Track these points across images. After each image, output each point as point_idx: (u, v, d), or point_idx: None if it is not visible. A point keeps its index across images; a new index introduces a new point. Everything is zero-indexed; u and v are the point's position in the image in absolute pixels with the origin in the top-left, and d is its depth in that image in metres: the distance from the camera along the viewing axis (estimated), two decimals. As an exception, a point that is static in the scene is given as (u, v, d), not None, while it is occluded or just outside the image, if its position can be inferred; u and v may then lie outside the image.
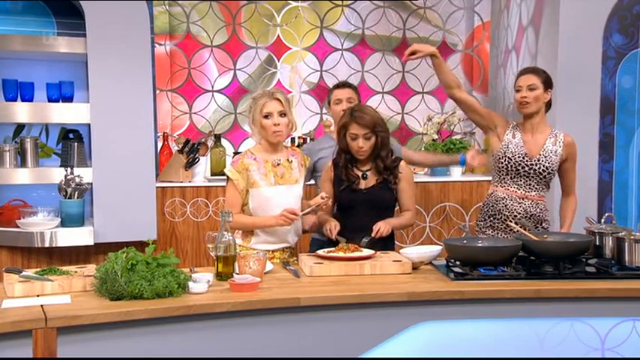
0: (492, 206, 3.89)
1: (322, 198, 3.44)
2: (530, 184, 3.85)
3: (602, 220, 3.56)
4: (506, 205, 3.85)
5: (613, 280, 3.07)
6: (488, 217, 3.91)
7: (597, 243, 3.33)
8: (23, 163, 4.53)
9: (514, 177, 3.83)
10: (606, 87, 4.68)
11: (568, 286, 3.01)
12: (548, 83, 3.85)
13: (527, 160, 3.79)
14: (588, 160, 4.65)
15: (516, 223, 3.60)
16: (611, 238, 3.28)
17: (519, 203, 3.84)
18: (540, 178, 3.83)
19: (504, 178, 3.86)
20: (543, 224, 3.88)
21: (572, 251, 3.23)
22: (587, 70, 4.64)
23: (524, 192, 3.85)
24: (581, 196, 4.53)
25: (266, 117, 3.36)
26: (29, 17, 4.63)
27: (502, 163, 3.81)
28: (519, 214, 3.82)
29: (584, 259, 3.25)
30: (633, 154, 4.71)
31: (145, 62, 4.48)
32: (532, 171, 3.80)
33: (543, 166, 3.78)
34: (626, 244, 3.18)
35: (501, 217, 3.85)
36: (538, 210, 3.87)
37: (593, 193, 4.65)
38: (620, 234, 3.25)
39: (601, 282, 3.05)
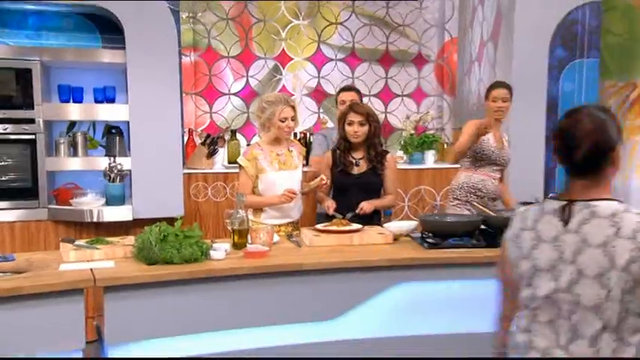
0: (475, 185, 3.97)
1: (322, 180, 3.46)
2: (500, 170, 4.04)
3: (547, 199, 3.59)
4: (485, 185, 3.97)
5: None
6: (468, 194, 3.96)
7: None
8: (75, 153, 4.53)
9: (491, 164, 3.97)
10: (551, 91, 4.67)
11: None
12: (512, 94, 4.00)
13: (499, 152, 3.96)
14: (537, 151, 4.66)
15: (478, 204, 3.63)
16: None
17: (493, 183, 4.00)
18: (504, 166, 4.04)
19: (483, 165, 3.96)
20: (497, 199, 4.06)
21: None
22: (535, 78, 4.63)
23: (496, 176, 4.02)
24: (531, 180, 4.56)
25: (282, 120, 3.39)
26: (79, 33, 4.61)
27: (484, 153, 3.91)
28: (493, 192, 3.99)
29: None
30: None
31: (173, 70, 4.46)
32: (502, 160, 4.00)
33: (507, 156, 4.02)
34: None
35: (480, 194, 3.93)
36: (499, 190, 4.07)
37: (541, 177, 4.66)
38: None
39: None
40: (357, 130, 3.56)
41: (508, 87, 3.99)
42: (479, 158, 3.94)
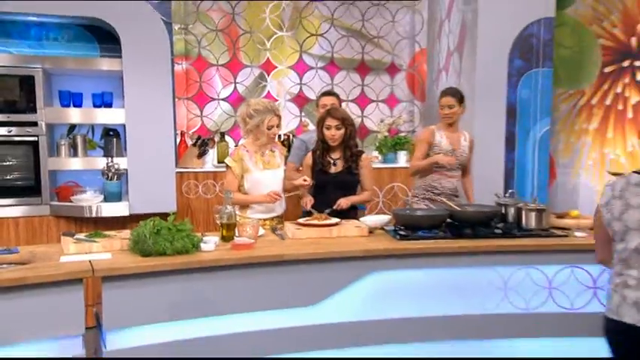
0: (431, 184, 3.99)
1: (304, 180, 3.48)
2: (454, 169, 4.01)
3: (507, 195, 3.62)
4: (440, 183, 3.98)
5: (514, 238, 3.11)
6: (426, 192, 4.00)
7: (503, 212, 3.37)
8: (75, 154, 4.51)
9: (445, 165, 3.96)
10: (510, 98, 4.71)
11: (482, 243, 3.04)
12: (461, 99, 4.00)
13: (453, 153, 3.95)
14: (497, 151, 4.71)
15: (447, 200, 3.67)
16: (513, 208, 3.33)
17: (449, 181, 4.00)
18: (461, 165, 4.03)
19: (439, 166, 3.95)
20: (458, 195, 4.06)
21: (485, 218, 3.26)
22: (496, 85, 4.68)
23: (451, 174, 4.01)
24: (491, 178, 4.61)
25: (269, 128, 3.41)
26: (79, 43, 4.59)
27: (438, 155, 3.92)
28: (450, 189, 3.97)
29: (493, 224, 3.27)
30: (529, 147, 4.76)
31: (166, 77, 4.46)
32: (457, 159, 3.96)
33: (462, 156, 3.99)
34: (524, 212, 3.24)
35: (436, 192, 3.96)
36: (459, 186, 4.10)
37: (501, 176, 4.70)
38: (519, 205, 3.31)
39: (505, 240, 3.09)
40: (334, 134, 3.58)
41: (453, 93, 4.00)
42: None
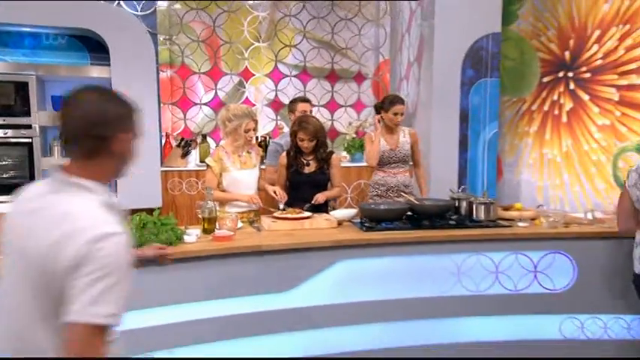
0: (377, 182, 4.03)
1: (274, 193, 3.49)
2: (398, 165, 4.03)
3: (460, 190, 3.67)
4: (385, 181, 4.01)
5: (466, 228, 3.15)
6: (376, 189, 4.04)
7: (456, 205, 3.40)
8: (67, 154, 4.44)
9: (388, 163, 4.00)
10: (463, 104, 4.76)
11: (438, 233, 3.08)
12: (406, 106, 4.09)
13: (392, 152, 3.97)
14: (451, 151, 4.76)
15: (406, 194, 3.70)
16: (465, 202, 3.37)
17: (394, 178, 4.01)
18: (403, 161, 4.04)
19: (383, 165, 4.00)
20: (410, 187, 4.06)
21: (441, 211, 3.29)
22: (451, 92, 4.73)
23: (395, 171, 4.02)
24: (447, 175, 4.67)
25: (246, 131, 3.39)
26: (70, 52, 4.51)
27: (381, 156, 3.95)
28: (396, 185, 3.99)
29: (448, 216, 3.31)
30: (479, 148, 4.82)
31: (152, 84, 4.41)
32: (397, 157, 4.00)
33: (401, 153, 4.00)
34: (474, 205, 3.29)
35: (383, 189, 4.00)
36: (407, 179, 4.08)
37: (455, 173, 4.75)
38: (471, 199, 3.35)
39: (458, 230, 3.12)
40: (307, 146, 3.59)
41: (402, 101, 4.03)
42: (380, 160, 3.98)
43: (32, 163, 4.25)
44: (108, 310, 1.29)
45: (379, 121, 4.04)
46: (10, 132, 4.18)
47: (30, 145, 4.23)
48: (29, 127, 4.21)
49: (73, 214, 1.34)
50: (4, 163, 4.22)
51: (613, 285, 3.05)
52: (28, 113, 4.20)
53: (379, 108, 4.06)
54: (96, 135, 1.40)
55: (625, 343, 3.16)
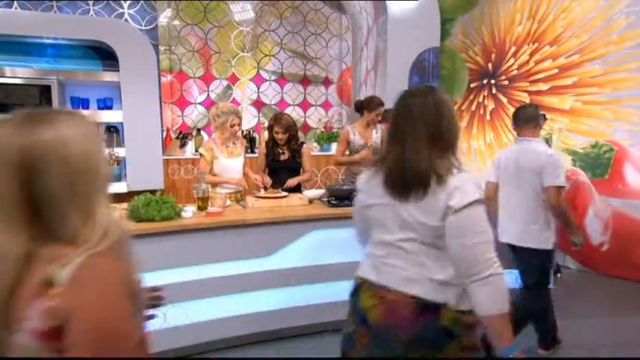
0: (353, 172, 3.92)
1: (255, 180, 3.45)
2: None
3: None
4: (361, 171, 3.92)
5: None
6: (350, 178, 4.00)
7: None
8: (83, 145, 4.33)
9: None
10: (410, 104, 4.83)
11: None
12: None
13: (364, 146, 3.87)
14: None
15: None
16: None
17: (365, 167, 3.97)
18: (374, 153, 3.91)
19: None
20: None
21: None
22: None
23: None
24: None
25: (231, 126, 3.34)
26: (85, 60, 4.37)
27: (356, 149, 3.86)
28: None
29: None
30: None
31: (154, 87, 4.31)
32: (370, 149, 3.91)
33: (373, 147, 3.89)
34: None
35: (354, 175, 3.96)
36: None
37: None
38: None
39: None
40: (281, 138, 3.56)
41: (383, 104, 3.86)
42: (356, 151, 3.88)
43: (54, 153, 4.13)
44: None
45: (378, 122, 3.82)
46: (34, 127, 4.04)
47: (52, 138, 4.11)
48: (51, 123, 4.09)
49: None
50: (30, 154, 4.10)
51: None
52: (50, 111, 4.07)
53: (362, 108, 3.82)
54: None
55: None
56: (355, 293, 1.55)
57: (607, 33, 4.24)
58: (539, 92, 4.76)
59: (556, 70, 4.60)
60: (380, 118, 3.83)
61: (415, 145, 1.38)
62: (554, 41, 4.59)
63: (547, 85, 4.68)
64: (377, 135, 4.00)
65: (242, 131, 4.93)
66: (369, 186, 1.55)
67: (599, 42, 4.30)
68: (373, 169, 1.54)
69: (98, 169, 0.89)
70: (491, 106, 5.15)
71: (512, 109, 4.88)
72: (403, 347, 1.35)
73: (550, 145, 3.74)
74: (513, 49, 4.92)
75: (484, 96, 5.20)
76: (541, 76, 4.71)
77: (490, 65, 5.10)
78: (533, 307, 2.69)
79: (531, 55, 4.77)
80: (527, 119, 2.71)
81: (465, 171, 1.37)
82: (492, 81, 5.10)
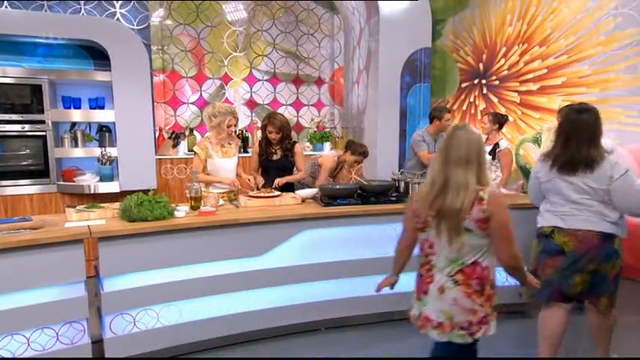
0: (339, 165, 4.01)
1: (249, 180, 3.45)
2: None
3: (399, 173, 3.72)
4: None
5: (404, 204, 3.10)
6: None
7: (397, 185, 3.41)
8: (76, 145, 4.28)
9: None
10: (402, 104, 4.81)
11: (382, 207, 3.10)
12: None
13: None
14: (393, 142, 4.83)
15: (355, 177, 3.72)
16: (403, 182, 3.37)
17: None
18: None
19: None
20: None
21: (384, 189, 3.30)
22: (392, 95, 4.77)
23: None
24: (389, 161, 4.73)
25: (228, 126, 3.32)
26: (77, 59, 4.33)
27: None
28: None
29: (390, 193, 3.31)
30: None
31: (147, 86, 4.28)
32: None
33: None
34: (411, 185, 3.30)
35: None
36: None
37: (396, 159, 4.84)
38: (408, 180, 3.35)
39: (398, 205, 3.13)
40: (274, 137, 3.56)
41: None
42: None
43: (46, 152, 4.10)
44: None
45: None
46: (27, 127, 4.02)
47: (44, 138, 4.08)
48: (43, 122, 4.06)
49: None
50: (22, 152, 4.08)
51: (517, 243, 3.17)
52: (42, 111, 4.04)
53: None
54: None
55: (508, 288, 3.27)
56: (547, 236, 2.40)
57: (595, 34, 4.28)
58: (529, 92, 4.79)
59: (545, 71, 4.63)
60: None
61: (579, 144, 2.27)
62: (543, 42, 4.63)
63: (537, 85, 4.71)
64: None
65: (235, 131, 4.91)
66: (544, 170, 2.41)
67: (587, 43, 4.33)
68: (545, 159, 2.41)
69: (483, 153, 1.78)
70: (481, 105, 5.17)
71: (502, 109, 4.92)
72: (590, 263, 2.28)
73: (540, 144, 3.78)
74: (504, 49, 4.95)
75: (475, 96, 5.22)
76: (531, 76, 4.75)
77: (481, 65, 5.13)
78: None
79: (521, 55, 4.80)
80: None
81: (610, 154, 2.25)
82: (483, 81, 5.13)
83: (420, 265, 1.89)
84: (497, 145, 3.94)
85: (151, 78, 4.45)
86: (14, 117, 3.97)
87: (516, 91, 4.89)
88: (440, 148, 1.80)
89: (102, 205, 2.93)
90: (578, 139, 2.26)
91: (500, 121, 4.01)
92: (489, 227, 1.69)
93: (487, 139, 4.04)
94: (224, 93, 5.36)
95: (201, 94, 5.26)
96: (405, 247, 1.99)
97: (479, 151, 1.72)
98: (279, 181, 3.50)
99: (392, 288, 2.09)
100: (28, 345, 2.36)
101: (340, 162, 3.88)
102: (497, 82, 5.03)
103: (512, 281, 3.27)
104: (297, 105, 5.74)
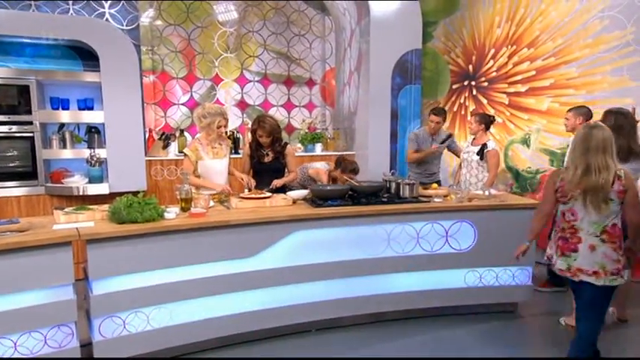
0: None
1: (241, 179, 3.43)
2: None
3: (390, 174, 3.72)
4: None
5: (394, 204, 3.15)
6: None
7: (387, 186, 3.39)
8: (64, 146, 4.21)
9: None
10: (393, 105, 4.84)
11: (373, 208, 3.08)
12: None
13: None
14: (384, 143, 4.86)
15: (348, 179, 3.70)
16: (394, 183, 3.36)
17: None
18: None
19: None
20: None
21: (375, 190, 3.29)
22: (383, 96, 4.80)
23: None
24: (380, 162, 4.75)
25: (218, 127, 3.30)
26: (66, 60, 4.27)
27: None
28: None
29: (380, 194, 3.31)
30: (406, 140, 4.84)
31: (136, 87, 4.23)
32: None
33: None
34: (401, 186, 3.30)
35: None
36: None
37: (387, 160, 4.85)
38: (398, 181, 3.36)
39: (388, 205, 3.13)
40: (265, 141, 3.54)
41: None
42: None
43: (34, 154, 4.03)
44: None
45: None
46: (14, 128, 3.95)
47: (32, 139, 4.01)
48: (31, 123, 3.99)
49: None
50: (10, 154, 4.00)
51: (504, 245, 3.18)
52: (29, 112, 3.97)
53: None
54: None
55: (511, 288, 3.32)
56: None
57: (582, 36, 4.32)
58: (517, 94, 4.83)
59: (533, 72, 4.67)
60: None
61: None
62: (531, 44, 4.67)
63: (525, 86, 4.75)
64: None
65: (226, 132, 4.88)
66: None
67: (574, 45, 4.38)
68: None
69: (613, 144, 2.23)
70: (471, 106, 5.21)
71: (492, 110, 4.95)
72: None
73: (528, 145, 3.81)
74: (493, 51, 4.98)
75: (465, 97, 5.26)
76: (519, 77, 4.78)
77: (471, 67, 5.16)
78: None
79: (510, 57, 4.84)
80: None
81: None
82: (473, 82, 5.16)
83: (560, 230, 2.33)
84: (485, 145, 3.95)
85: (141, 79, 4.40)
86: (1, 118, 3.91)
87: (505, 93, 4.93)
88: (577, 142, 2.22)
89: (91, 206, 2.88)
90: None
91: (486, 121, 4.03)
92: (625, 197, 2.19)
93: (474, 139, 4.06)
94: (215, 94, 5.33)
95: (191, 95, 5.22)
96: (545, 215, 2.41)
97: (612, 142, 2.19)
98: (276, 182, 3.49)
99: (524, 255, 2.50)
100: (15, 349, 2.31)
101: (331, 177, 3.88)
102: (486, 84, 5.07)
103: (503, 281, 3.31)
104: (289, 106, 5.72)
